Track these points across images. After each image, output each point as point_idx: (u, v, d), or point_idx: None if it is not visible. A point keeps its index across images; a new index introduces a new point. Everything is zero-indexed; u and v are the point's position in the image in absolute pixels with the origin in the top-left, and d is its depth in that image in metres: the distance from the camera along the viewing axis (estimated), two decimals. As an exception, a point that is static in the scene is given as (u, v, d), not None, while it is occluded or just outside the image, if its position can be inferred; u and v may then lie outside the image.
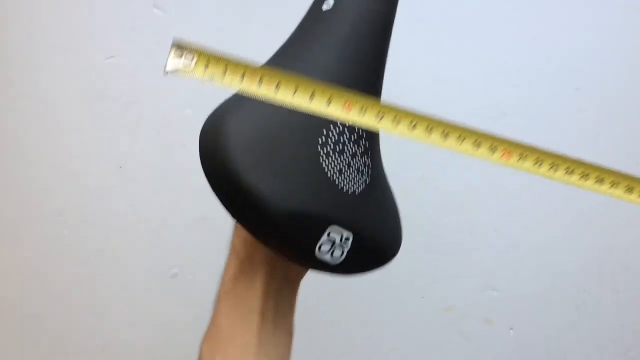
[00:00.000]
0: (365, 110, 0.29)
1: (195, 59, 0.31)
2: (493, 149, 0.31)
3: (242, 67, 0.30)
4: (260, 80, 0.30)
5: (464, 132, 0.30)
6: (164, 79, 0.64)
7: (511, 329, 0.67)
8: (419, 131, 0.29)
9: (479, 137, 0.31)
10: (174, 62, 0.30)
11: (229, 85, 0.30)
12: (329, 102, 0.29)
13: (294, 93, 0.29)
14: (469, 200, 0.65)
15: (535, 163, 0.32)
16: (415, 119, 0.29)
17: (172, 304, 0.68)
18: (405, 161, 0.65)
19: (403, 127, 0.30)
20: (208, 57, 0.31)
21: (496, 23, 0.63)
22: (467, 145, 0.30)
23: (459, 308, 0.67)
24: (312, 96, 0.29)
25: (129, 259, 0.67)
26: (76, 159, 0.66)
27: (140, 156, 0.66)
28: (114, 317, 0.69)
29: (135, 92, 0.64)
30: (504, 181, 0.65)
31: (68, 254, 0.68)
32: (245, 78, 0.30)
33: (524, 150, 0.32)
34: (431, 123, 0.30)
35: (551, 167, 0.31)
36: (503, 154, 0.32)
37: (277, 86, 0.29)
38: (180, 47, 0.30)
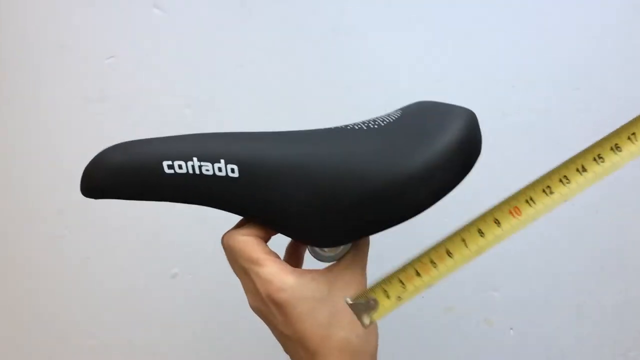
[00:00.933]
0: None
1: (374, 296, 0.32)
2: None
3: (410, 267, 0.33)
4: (432, 262, 0.32)
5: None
6: (163, 79, 0.64)
7: (511, 329, 0.67)
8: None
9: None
10: (364, 317, 0.32)
11: (418, 292, 0.32)
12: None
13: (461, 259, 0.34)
14: (468, 200, 0.65)
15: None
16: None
17: (172, 304, 0.68)
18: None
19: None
20: (379, 287, 0.33)
21: (496, 23, 0.63)
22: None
23: (459, 308, 0.67)
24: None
25: (129, 259, 0.67)
26: (76, 159, 0.66)
27: (140, 156, 0.66)
28: (114, 317, 0.69)
29: (135, 92, 0.64)
30: (504, 181, 0.65)
31: (68, 254, 0.68)
32: (420, 272, 0.33)
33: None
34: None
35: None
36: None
37: (448, 253, 0.32)
38: (357, 303, 0.32)
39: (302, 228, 0.35)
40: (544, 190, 0.31)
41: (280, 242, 0.39)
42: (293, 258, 0.41)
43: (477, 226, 0.32)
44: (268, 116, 0.64)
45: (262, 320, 0.37)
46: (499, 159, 0.64)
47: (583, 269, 0.66)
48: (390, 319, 0.70)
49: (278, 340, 0.37)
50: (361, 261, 0.37)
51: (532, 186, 0.31)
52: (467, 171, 0.36)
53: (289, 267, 0.34)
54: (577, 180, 0.30)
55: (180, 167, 0.34)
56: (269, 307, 0.34)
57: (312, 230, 0.35)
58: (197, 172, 0.33)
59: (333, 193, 0.34)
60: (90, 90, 0.65)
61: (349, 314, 0.33)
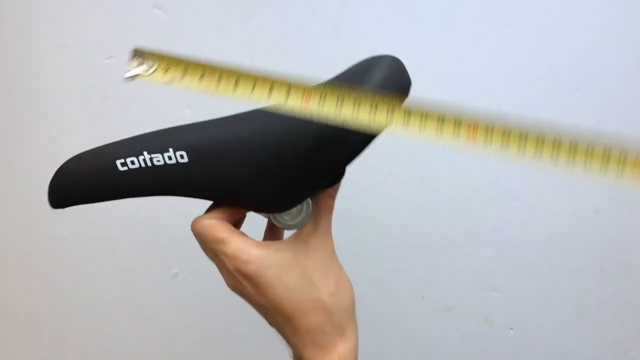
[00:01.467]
0: (325, 97, 0.31)
1: (155, 65, 0.33)
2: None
3: (201, 68, 0.32)
4: (219, 79, 0.32)
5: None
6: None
7: (511, 329, 0.67)
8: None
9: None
10: (135, 69, 0.34)
11: (189, 87, 0.32)
12: (288, 93, 0.31)
13: (252, 89, 0.31)
14: (469, 200, 0.65)
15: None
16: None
17: (172, 304, 0.68)
18: (405, 163, 0.65)
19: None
20: (168, 61, 0.33)
21: (496, 23, 0.63)
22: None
23: (459, 308, 0.67)
24: (270, 90, 0.31)
25: (129, 259, 0.67)
26: (76, 159, 0.66)
27: (140, 156, 0.66)
28: (114, 317, 0.69)
29: (135, 92, 0.64)
30: (504, 181, 0.65)
31: (68, 254, 0.68)
32: (204, 78, 0.32)
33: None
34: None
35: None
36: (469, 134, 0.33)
37: (236, 83, 0.31)
38: (140, 54, 0.33)
39: (258, 198, 0.37)
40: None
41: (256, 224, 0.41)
42: (271, 236, 0.43)
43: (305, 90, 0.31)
44: (268, 116, 0.64)
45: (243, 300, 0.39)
46: (499, 158, 0.64)
47: (583, 269, 0.66)
48: (390, 319, 0.71)
49: (259, 313, 0.38)
50: (323, 226, 0.38)
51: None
52: (405, 95, 0.37)
53: (253, 241, 0.36)
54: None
55: (132, 162, 0.36)
56: (240, 282, 0.36)
57: (267, 198, 0.37)
58: (149, 164, 0.36)
59: (277, 154, 0.35)
60: (90, 90, 0.65)
61: (318, 276, 0.36)
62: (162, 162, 0.36)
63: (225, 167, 0.36)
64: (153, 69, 0.33)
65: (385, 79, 0.36)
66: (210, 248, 0.36)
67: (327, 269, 0.37)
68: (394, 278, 0.66)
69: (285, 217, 0.39)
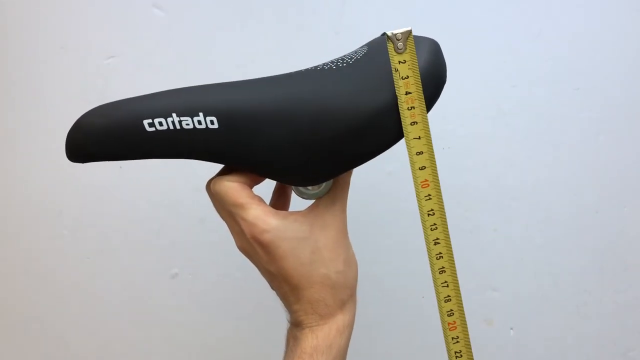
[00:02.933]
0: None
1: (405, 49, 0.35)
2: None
3: None
4: None
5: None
6: (163, 79, 0.64)
7: (511, 329, 0.67)
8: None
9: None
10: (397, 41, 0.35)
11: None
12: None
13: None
14: (469, 200, 0.65)
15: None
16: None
17: (172, 304, 0.68)
18: (405, 163, 0.65)
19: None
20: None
21: (496, 23, 0.63)
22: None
23: (459, 308, 0.67)
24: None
25: (129, 259, 0.67)
26: (76, 159, 0.66)
27: (140, 156, 0.66)
28: (114, 317, 0.69)
29: (135, 92, 0.64)
30: (504, 181, 0.65)
31: (68, 254, 0.68)
32: None
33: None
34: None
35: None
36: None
37: None
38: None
39: (284, 170, 0.37)
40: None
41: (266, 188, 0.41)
42: (280, 201, 0.44)
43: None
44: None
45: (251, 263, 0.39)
46: (499, 158, 0.64)
47: (583, 269, 0.66)
48: (390, 318, 0.71)
49: (265, 278, 0.39)
50: (340, 202, 0.39)
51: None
52: (434, 100, 0.38)
53: (272, 210, 0.37)
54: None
55: (160, 124, 0.34)
56: (254, 248, 0.37)
57: (294, 171, 0.37)
58: (178, 127, 0.34)
59: (310, 132, 0.35)
60: (90, 90, 0.65)
61: (329, 252, 0.37)
62: (191, 127, 0.35)
63: (257, 137, 0.35)
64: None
65: (427, 65, 0.36)
66: (228, 210, 0.37)
67: (338, 247, 0.38)
68: (394, 278, 0.66)
69: (309, 187, 0.39)
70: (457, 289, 0.38)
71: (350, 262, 0.39)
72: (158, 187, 0.66)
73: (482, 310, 0.67)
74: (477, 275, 0.66)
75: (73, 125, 0.38)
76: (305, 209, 0.38)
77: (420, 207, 0.38)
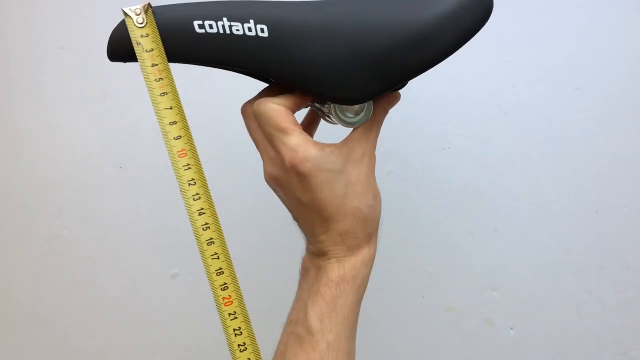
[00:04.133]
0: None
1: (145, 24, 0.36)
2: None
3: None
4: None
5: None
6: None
7: (511, 329, 0.67)
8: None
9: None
10: (134, 14, 0.36)
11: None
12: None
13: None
14: (469, 200, 0.65)
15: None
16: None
17: (172, 304, 0.68)
18: (406, 162, 0.65)
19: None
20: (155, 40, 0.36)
21: (496, 23, 0.63)
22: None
23: (459, 308, 0.67)
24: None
25: (129, 259, 0.68)
26: (76, 159, 0.66)
27: (140, 156, 0.66)
28: (114, 317, 0.69)
29: (135, 92, 0.64)
30: (504, 181, 0.65)
31: (68, 254, 0.68)
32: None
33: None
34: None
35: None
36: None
37: None
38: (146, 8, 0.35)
39: (332, 84, 0.37)
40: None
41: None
42: (307, 131, 0.44)
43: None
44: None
45: (274, 192, 0.40)
46: (499, 158, 0.64)
47: (583, 269, 0.66)
48: (390, 318, 0.71)
49: (290, 207, 0.39)
50: (374, 135, 0.40)
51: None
52: (487, 16, 0.39)
53: (312, 140, 0.37)
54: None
55: (210, 26, 0.35)
56: (289, 175, 0.37)
57: (343, 86, 0.37)
58: (228, 31, 0.35)
59: (361, 46, 0.35)
60: (90, 90, 0.65)
61: (361, 186, 0.38)
62: (240, 32, 0.35)
63: (305, 49, 0.35)
64: (142, 25, 0.35)
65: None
66: (270, 133, 0.36)
67: (369, 181, 0.39)
68: (394, 278, 0.66)
69: (348, 113, 0.39)
70: (228, 260, 0.36)
71: (378, 197, 0.40)
72: (158, 187, 0.66)
73: (482, 310, 0.67)
74: (477, 275, 0.66)
75: (119, 23, 0.37)
76: (340, 142, 0.38)
77: (179, 177, 0.36)
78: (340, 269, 0.38)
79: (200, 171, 0.36)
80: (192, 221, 0.36)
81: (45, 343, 0.70)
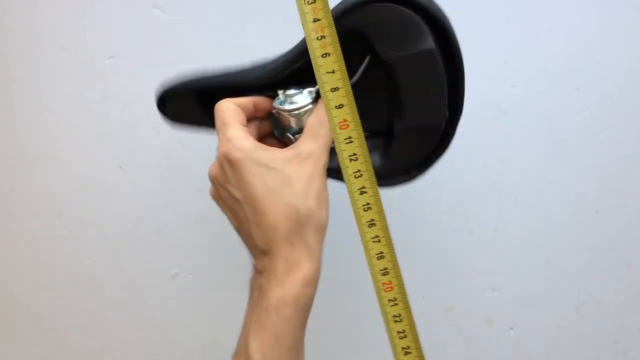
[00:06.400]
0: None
1: None
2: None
3: None
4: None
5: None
6: (163, 79, 0.64)
7: (511, 329, 0.67)
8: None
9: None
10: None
11: None
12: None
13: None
14: (469, 200, 0.65)
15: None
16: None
17: (172, 304, 0.68)
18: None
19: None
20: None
21: (496, 22, 0.63)
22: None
23: (459, 308, 0.67)
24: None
25: (129, 259, 0.67)
26: (76, 159, 0.66)
27: (140, 156, 0.66)
28: (114, 317, 0.69)
29: (135, 92, 0.64)
30: (504, 181, 0.65)
31: (68, 254, 0.68)
32: None
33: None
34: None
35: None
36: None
37: None
38: None
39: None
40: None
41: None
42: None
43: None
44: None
45: (217, 203, 0.40)
46: (499, 158, 0.64)
47: (583, 269, 0.66)
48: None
49: (229, 212, 0.39)
50: (322, 137, 0.37)
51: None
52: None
53: (252, 136, 0.37)
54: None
55: None
56: (224, 168, 0.36)
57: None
58: None
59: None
60: (91, 90, 0.65)
61: (300, 185, 0.35)
62: None
63: None
64: None
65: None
66: (217, 127, 0.38)
67: (313, 182, 0.36)
68: (394, 278, 0.66)
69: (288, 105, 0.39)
70: (390, 243, 0.33)
71: (323, 201, 0.36)
72: (158, 187, 0.66)
73: (482, 310, 0.67)
74: (477, 275, 0.66)
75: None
76: (286, 148, 0.38)
77: (340, 151, 0.33)
78: (279, 289, 0.34)
79: (362, 145, 0.33)
80: (353, 201, 0.33)
81: (45, 343, 0.70)
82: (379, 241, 0.33)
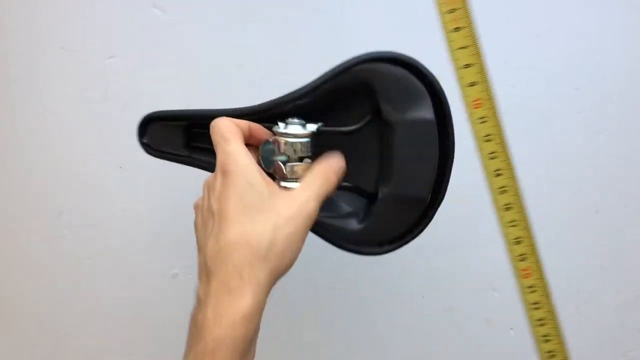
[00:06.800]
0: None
1: None
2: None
3: None
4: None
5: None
6: (163, 79, 0.65)
7: (511, 329, 0.67)
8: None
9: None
10: None
11: None
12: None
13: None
14: (468, 200, 0.65)
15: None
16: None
17: (172, 304, 0.68)
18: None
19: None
20: None
21: (496, 23, 0.63)
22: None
23: (459, 308, 0.67)
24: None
25: (129, 259, 0.67)
26: (76, 159, 0.66)
27: (140, 156, 0.66)
28: (114, 317, 0.69)
29: (135, 92, 0.64)
30: (504, 181, 0.65)
31: (68, 254, 0.68)
32: None
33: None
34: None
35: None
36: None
37: None
38: None
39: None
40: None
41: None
42: None
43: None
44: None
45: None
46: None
47: (583, 269, 0.66)
48: (391, 319, 0.71)
49: (201, 224, 0.39)
50: (315, 187, 0.38)
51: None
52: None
53: (250, 155, 0.37)
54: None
55: None
56: (216, 178, 0.37)
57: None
58: None
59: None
60: (91, 90, 0.65)
61: (277, 220, 0.34)
62: None
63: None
64: None
65: None
66: (216, 141, 0.38)
67: (292, 222, 0.35)
68: (394, 278, 0.66)
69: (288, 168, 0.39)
70: (528, 228, 0.31)
71: (293, 247, 0.35)
72: (158, 187, 0.66)
73: (482, 310, 0.67)
74: (477, 275, 0.66)
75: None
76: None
77: (475, 132, 0.30)
78: (217, 328, 0.32)
79: (497, 125, 0.30)
80: (490, 184, 0.32)
81: (45, 343, 0.70)
82: (516, 226, 0.32)
